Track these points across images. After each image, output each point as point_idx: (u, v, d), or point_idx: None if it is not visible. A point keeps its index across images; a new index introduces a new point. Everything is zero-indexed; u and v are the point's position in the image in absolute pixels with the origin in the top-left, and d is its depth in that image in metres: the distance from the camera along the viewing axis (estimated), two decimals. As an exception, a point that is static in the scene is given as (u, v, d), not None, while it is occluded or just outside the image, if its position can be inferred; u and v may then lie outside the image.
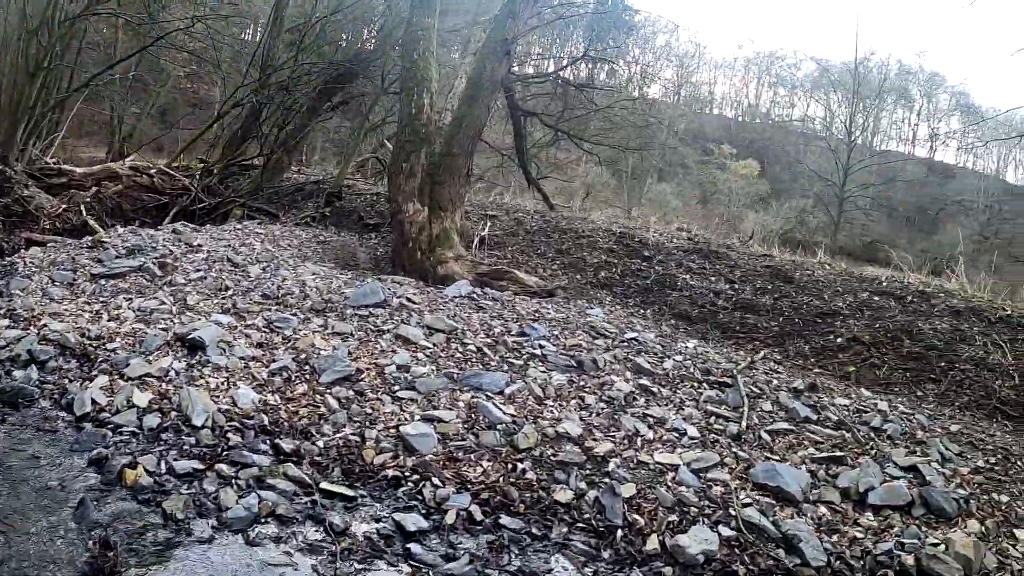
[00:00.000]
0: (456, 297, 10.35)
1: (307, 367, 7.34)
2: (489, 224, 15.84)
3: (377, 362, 7.56)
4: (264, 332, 8.18)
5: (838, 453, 6.42)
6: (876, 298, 12.13)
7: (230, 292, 9.63)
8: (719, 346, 10.61)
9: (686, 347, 9.44)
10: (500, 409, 6.67)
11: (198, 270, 10.51)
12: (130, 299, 8.82)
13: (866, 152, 66.51)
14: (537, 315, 9.87)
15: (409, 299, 9.64)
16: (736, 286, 12.83)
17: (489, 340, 8.47)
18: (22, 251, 12.15)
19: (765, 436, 6.70)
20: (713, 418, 7.04)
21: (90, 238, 12.37)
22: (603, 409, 7.06)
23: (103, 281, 9.61)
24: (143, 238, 12.24)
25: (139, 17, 24.82)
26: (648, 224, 19.41)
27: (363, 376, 7.25)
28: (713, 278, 13.21)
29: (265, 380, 7.05)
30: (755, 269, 13.69)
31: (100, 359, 6.99)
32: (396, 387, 7.09)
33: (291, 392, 6.90)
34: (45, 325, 7.57)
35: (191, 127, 25.04)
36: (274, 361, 7.42)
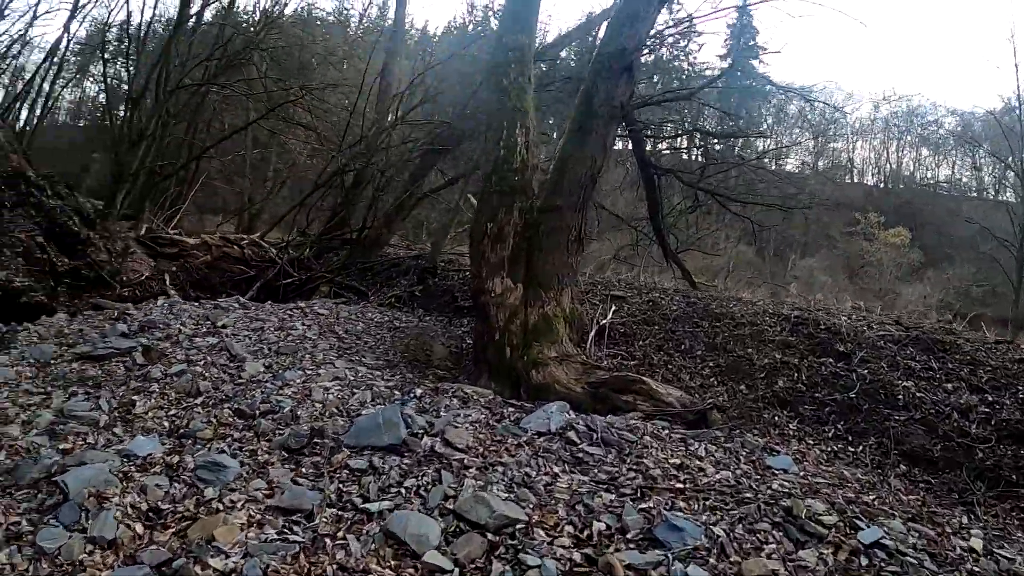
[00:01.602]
0: (542, 435, 5.76)
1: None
2: (614, 308, 11.05)
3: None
4: (177, 485, 4.55)
5: None
6: None
7: (199, 400, 6.26)
8: (995, 517, 5.80)
9: (973, 559, 4.23)
10: None
11: (186, 361, 7.32)
12: (74, 394, 6.29)
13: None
14: (680, 476, 5.13)
15: (450, 442, 5.26)
16: (989, 397, 7.81)
17: (579, 556, 3.87)
18: (53, 317, 10.12)
19: None
20: None
21: (118, 311, 10.04)
22: None
23: (76, 364, 7.15)
24: (167, 313, 9.59)
25: (240, 89, 23.95)
26: (821, 304, 14.07)
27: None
28: (950, 385, 8.14)
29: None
30: (1005, 367, 8.53)
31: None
32: None
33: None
34: None
35: (322, 202, 22.34)
36: (134, 562, 3.74)
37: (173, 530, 3.97)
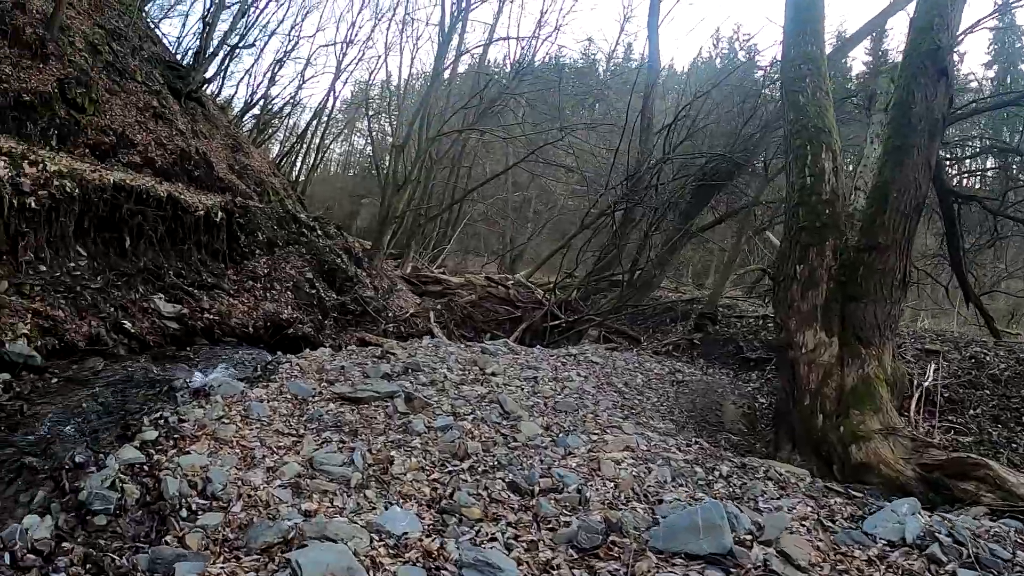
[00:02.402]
0: (894, 546, 4.23)
1: None
2: (934, 367, 8.99)
3: None
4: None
5: None
6: None
7: (466, 465, 5.35)
8: None
9: None
10: None
11: (452, 414, 6.53)
12: (327, 442, 5.67)
13: None
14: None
15: (788, 555, 3.89)
16: None
17: None
18: (316, 351, 9.62)
19: None
20: None
21: (383, 349, 9.58)
22: None
23: (334, 406, 6.61)
24: (432, 356, 9.00)
25: (498, 134, 24.45)
26: None
27: None
28: None
29: None
30: None
31: (170, 528, 4.05)
32: None
33: None
34: (182, 451, 5.15)
35: (587, 243, 22.02)
36: None
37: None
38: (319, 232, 15.26)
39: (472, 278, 19.11)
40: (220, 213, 12.35)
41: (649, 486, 4.93)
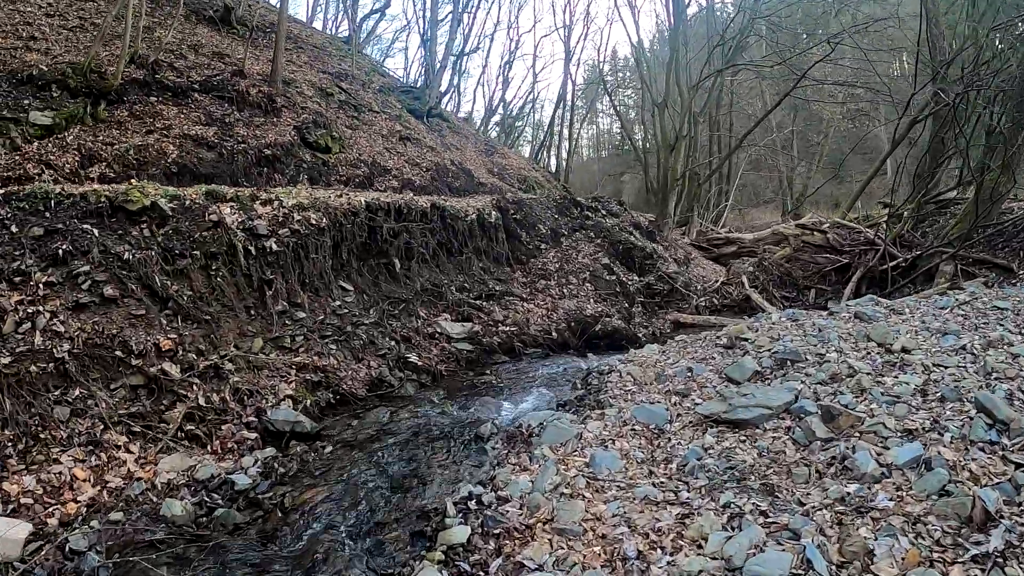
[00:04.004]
0: None
1: None
2: None
3: None
4: None
5: None
6: None
7: (995, 541, 2.73)
8: None
9: None
10: None
11: (906, 433, 3.82)
12: (737, 514, 3.36)
13: None
14: None
15: None
16: None
17: None
18: (643, 349, 7.75)
19: None
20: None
21: (725, 334, 7.33)
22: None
23: (710, 437, 4.43)
24: (801, 334, 6.53)
25: (756, 67, 21.87)
26: None
27: None
28: None
29: None
30: None
31: None
32: None
33: None
34: (509, 559, 3.35)
35: (863, 174, 18.51)
36: None
37: None
38: (602, 212, 13.71)
39: (782, 228, 16.61)
40: (493, 212, 10.92)
41: None
